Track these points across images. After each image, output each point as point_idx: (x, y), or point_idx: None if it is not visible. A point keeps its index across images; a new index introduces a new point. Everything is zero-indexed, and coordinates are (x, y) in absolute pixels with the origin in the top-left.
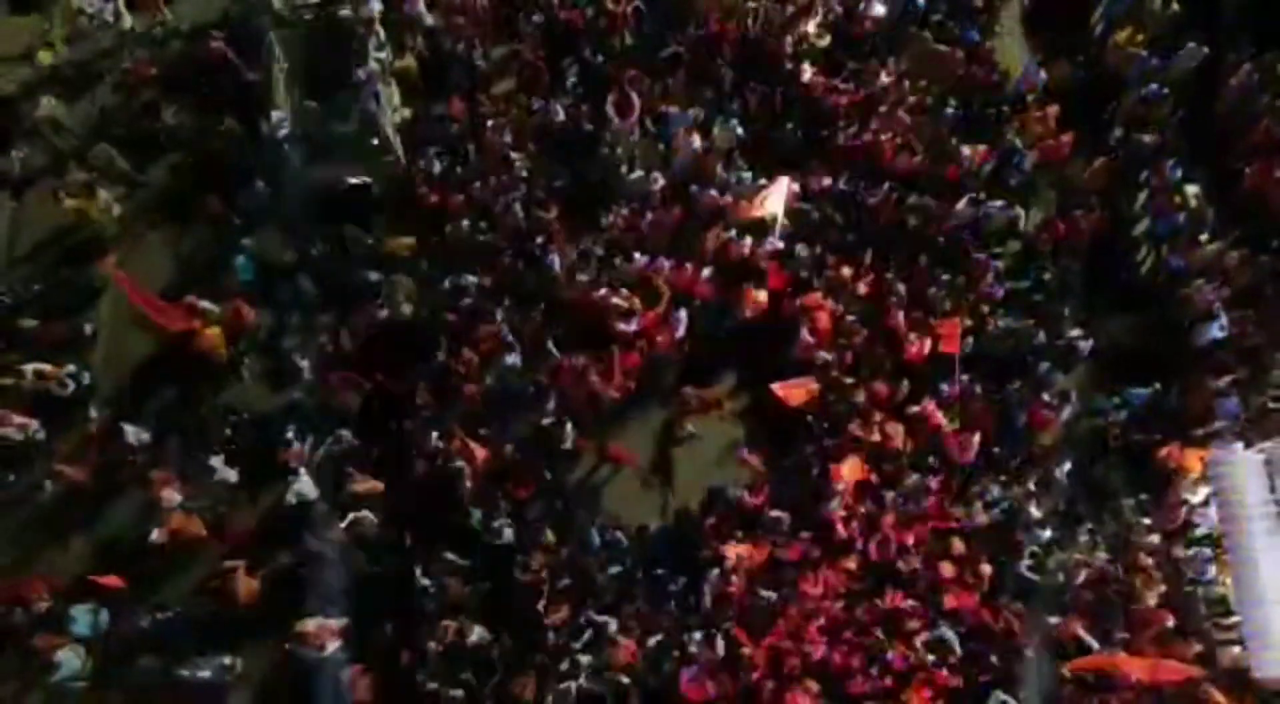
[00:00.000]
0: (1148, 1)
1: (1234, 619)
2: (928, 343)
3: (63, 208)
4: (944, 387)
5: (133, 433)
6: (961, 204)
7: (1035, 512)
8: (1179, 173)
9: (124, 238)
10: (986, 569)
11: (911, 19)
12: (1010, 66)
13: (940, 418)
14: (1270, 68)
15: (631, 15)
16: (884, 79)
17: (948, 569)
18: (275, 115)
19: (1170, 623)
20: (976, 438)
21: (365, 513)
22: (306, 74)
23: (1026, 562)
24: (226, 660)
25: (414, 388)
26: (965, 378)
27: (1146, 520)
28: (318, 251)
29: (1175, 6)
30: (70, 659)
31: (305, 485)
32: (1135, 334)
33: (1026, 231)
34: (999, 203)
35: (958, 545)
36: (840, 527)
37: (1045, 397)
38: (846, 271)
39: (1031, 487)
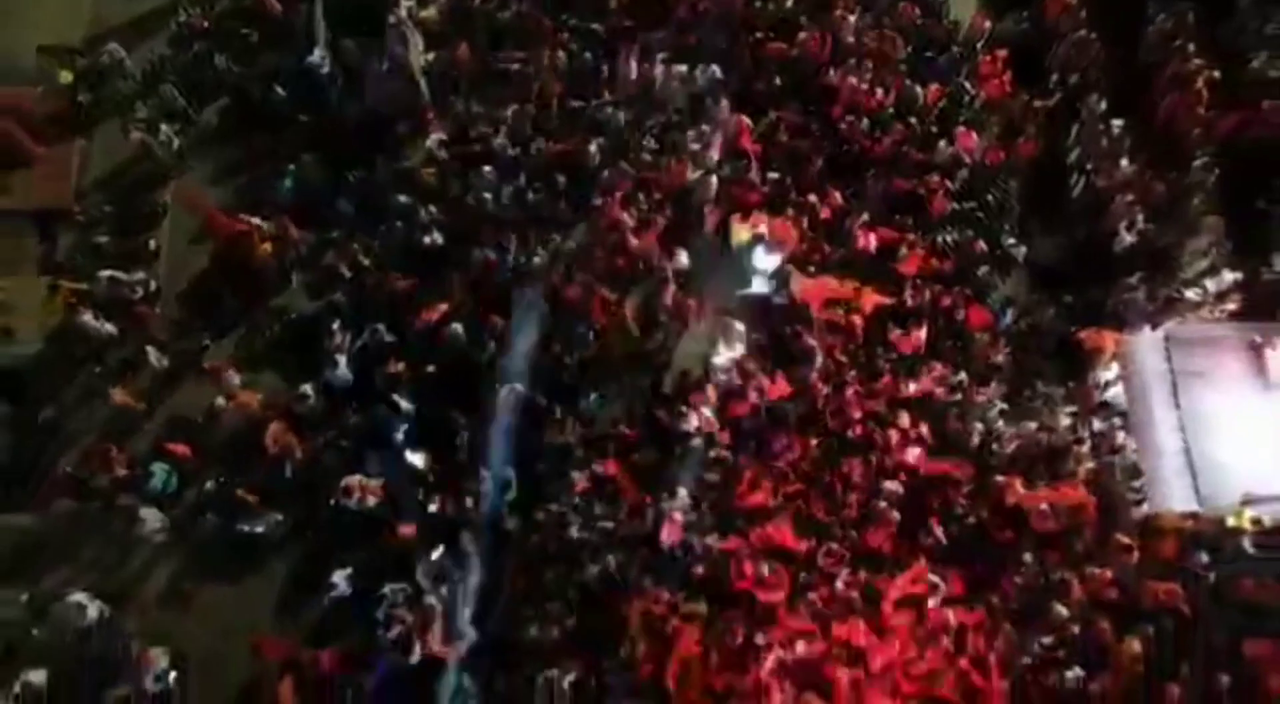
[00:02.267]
0: None
1: (1142, 481)
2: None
3: (129, 141)
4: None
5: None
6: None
7: (978, 395)
8: (1104, 106)
9: (182, 167)
10: (926, 430)
11: None
12: (962, 19)
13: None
14: (1183, 18)
15: None
16: (850, 23)
17: (895, 435)
18: (315, 53)
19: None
20: (923, 332)
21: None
22: (343, 18)
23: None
24: (279, 517)
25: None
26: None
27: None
28: (354, 177)
29: None
30: (152, 515)
31: (343, 371)
32: (1065, 246)
33: (974, 160)
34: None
35: (904, 417)
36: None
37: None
38: (813, 197)
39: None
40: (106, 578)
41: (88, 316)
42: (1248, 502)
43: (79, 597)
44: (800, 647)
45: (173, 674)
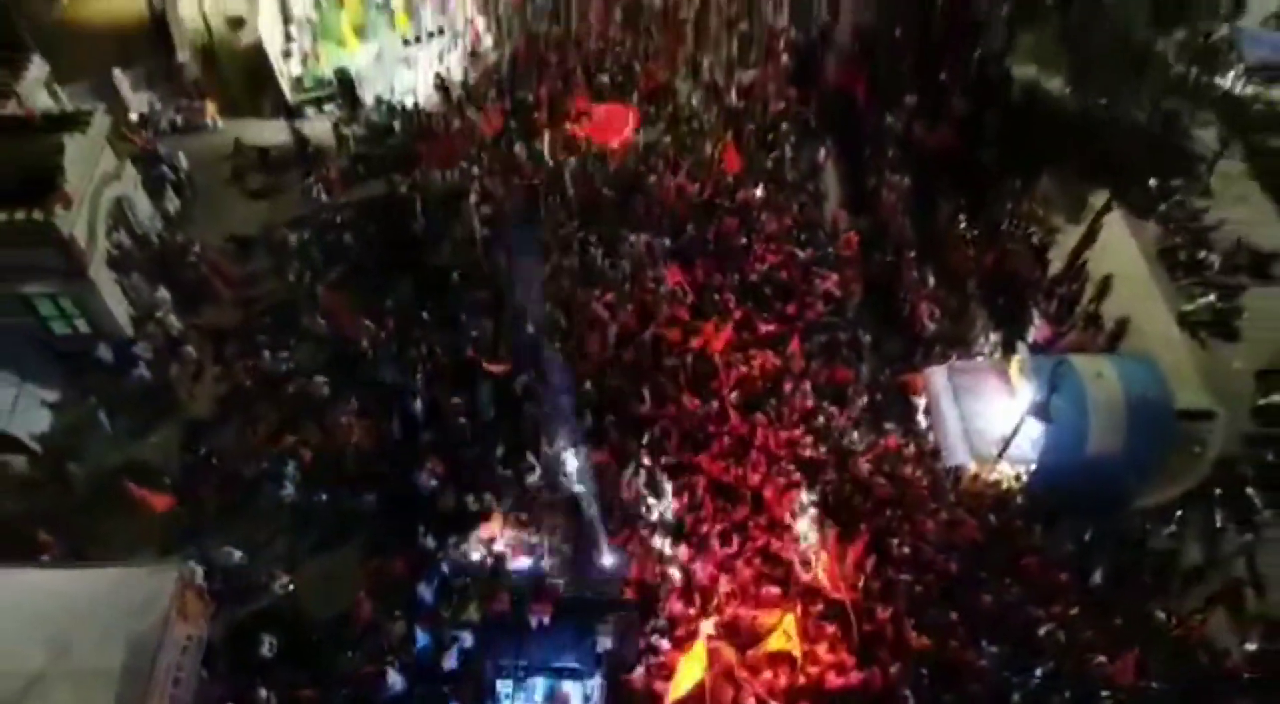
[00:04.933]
0: None
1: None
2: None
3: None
4: None
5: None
6: None
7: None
8: (913, 255)
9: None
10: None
11: None
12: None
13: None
14: (958, 210)
15: None
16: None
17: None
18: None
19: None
20: (808, 384)
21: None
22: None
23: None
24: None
25: None
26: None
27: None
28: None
29: None
30: (289, 475)
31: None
32: (893, 334)
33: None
34: None
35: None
36: None
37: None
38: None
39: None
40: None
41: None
42: (1001, 453)
43: (230, 549)
44: None
45: (290, 586)
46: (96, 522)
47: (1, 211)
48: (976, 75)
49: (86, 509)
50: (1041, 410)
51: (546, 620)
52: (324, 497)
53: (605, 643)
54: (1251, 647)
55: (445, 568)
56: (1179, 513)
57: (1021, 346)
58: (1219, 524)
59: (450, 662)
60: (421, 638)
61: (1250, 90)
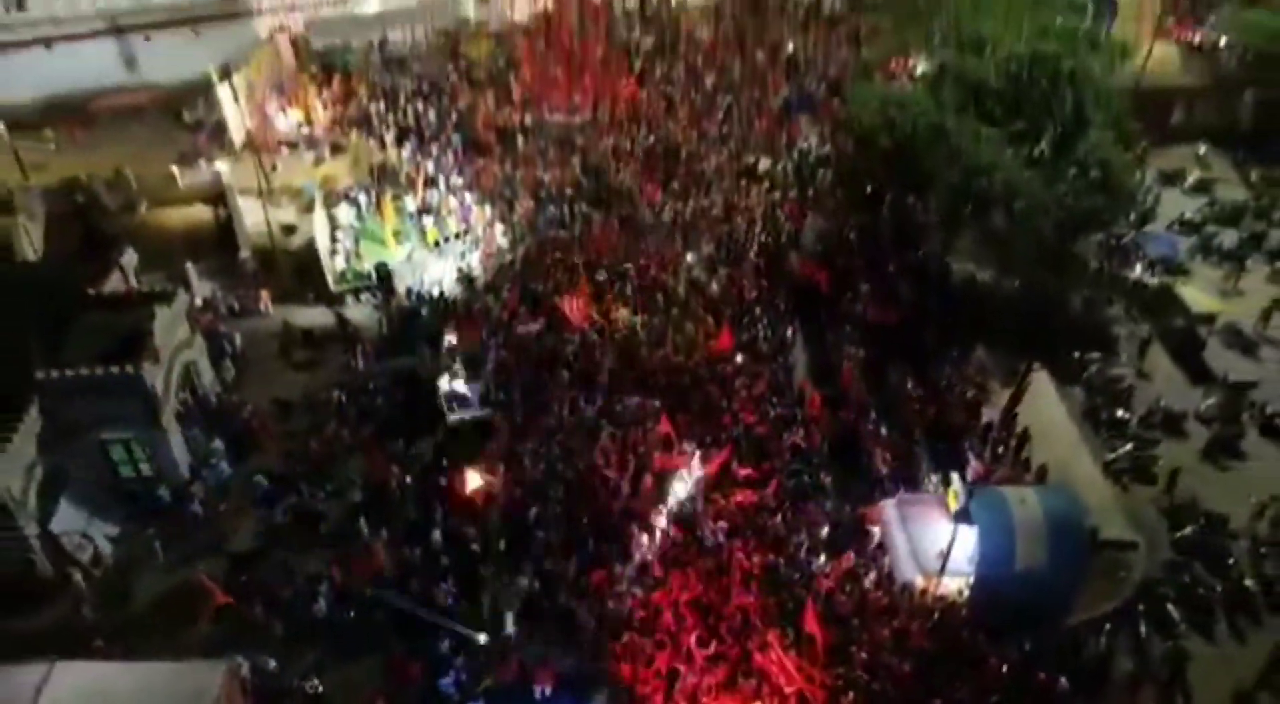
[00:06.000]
0: None
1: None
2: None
3: None
4: None
5: None
6: None
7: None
8: (874, 416)
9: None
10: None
11: None
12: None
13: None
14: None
15: None
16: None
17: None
18: None
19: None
20: (778, 518)
21: None
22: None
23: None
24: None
25: None
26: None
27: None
28: None
29: None
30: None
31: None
32: (853, 480)
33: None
34: None
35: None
36: None
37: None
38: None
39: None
40: None
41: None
42: (943, 567)
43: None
44: None
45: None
46: (147, 636)
47: (102, 366)
48: (919, 268)
49: (138, 625)
50: (964, 515)
51: (549, 691)
52: (352, 612)
53: None
54: None
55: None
56: (1109, 626)
57: (958, 480)
58: (1144, 636)
59: None
60: None
61: (1155, 280)
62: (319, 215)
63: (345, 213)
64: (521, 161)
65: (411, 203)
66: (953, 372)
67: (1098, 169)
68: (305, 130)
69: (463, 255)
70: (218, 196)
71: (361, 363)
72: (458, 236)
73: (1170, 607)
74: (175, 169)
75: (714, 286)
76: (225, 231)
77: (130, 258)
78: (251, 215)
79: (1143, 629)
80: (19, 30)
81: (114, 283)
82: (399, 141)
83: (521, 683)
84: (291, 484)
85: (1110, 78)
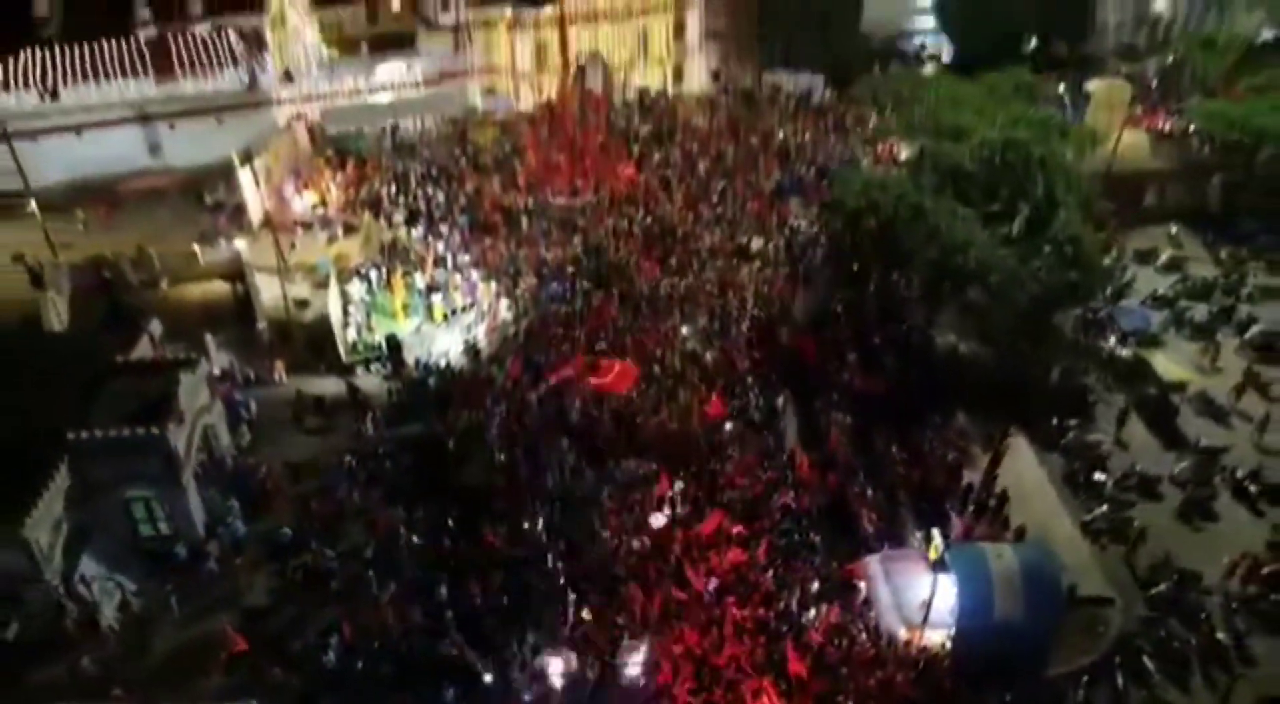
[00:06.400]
0: None
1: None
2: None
3: None
4: None
5: None
6: None
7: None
8: (862, 476)
9: None
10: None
11: None
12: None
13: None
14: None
15: None
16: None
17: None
18: None
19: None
20: (769, 575)
21: None
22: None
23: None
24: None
25: None
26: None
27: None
28: None
29: None
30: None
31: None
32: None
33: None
34: None
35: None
36: None
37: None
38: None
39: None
40: None
41: None
42: (925, 618)
43: None
44: None
45: None
46: (163, 685)
47: (129, 427)
48: (903, 340)
49: (155, 675)
50: (941, 565)
51: None
52: (360, 664)
53: None
54: None
55: None
56: (1088, 679)
57: (938, 536)
58: (1122, 688)
59: None
60: None
61: (1128, 351)
62: (333, 290)
63: (357, 288)
64: (525, 241)
65: (420, 279)
66: (935, 436)
67: (1069, 246)
68: (320, 211)
69: (469, 328)
70: (236, 273)
71: (371, 429)
72: (464, 311)
73: (1147, 660)
74: (196, 247)
75: (708, 357)
76: (243, 305)
77: (156, 327)
78: (268, 290)
79: (1120, 681)
80: (52, 117)
81: (141, 350)
82: (409, 222)
83: None
84: (303, 542)
85: (1080, 163)
